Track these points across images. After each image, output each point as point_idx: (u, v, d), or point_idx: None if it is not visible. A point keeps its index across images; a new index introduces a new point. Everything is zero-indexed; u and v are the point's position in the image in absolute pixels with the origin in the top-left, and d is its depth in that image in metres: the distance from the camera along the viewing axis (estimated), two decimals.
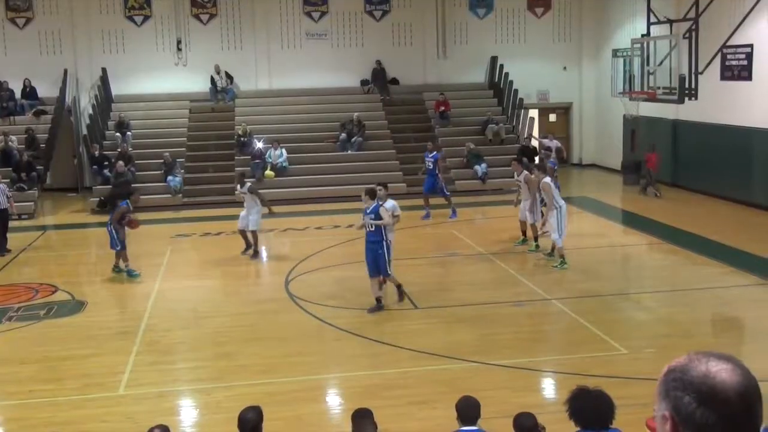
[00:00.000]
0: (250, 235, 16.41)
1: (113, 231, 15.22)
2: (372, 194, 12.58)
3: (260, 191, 16.91)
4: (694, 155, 23.24)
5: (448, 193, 20.38)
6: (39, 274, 15.96)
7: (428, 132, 26.85)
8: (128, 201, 15.57)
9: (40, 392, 9.73)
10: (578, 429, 5.18)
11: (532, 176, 16.29)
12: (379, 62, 27.81)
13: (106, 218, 21.59)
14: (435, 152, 20.51)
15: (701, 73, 21.97)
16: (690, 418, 1.92)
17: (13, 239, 17.99)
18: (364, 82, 28.09)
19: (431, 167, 20.27)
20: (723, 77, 21.75)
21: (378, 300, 12.60)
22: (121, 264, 15.37)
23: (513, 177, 17.18)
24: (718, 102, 21.77)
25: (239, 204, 22.97)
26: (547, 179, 15.23)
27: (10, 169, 23.14)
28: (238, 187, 16.84)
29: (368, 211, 12.38)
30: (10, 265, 16.62)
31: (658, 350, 10.53)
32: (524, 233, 16.69)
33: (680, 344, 10.72)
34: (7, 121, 25.35)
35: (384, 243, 12.41)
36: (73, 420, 8.62)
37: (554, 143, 25.23)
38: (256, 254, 16.42)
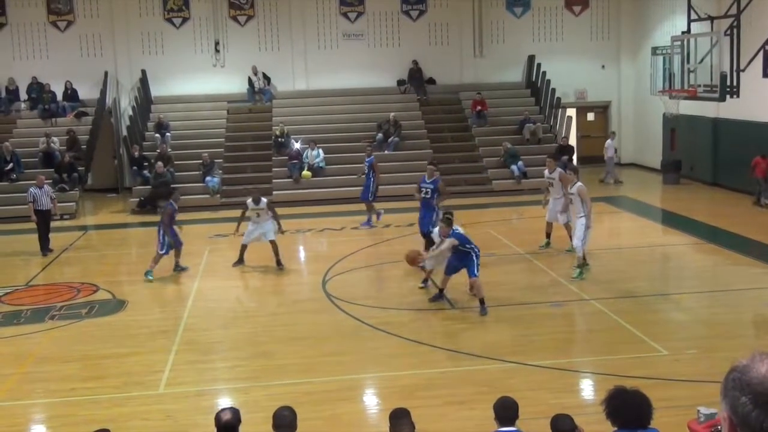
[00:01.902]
0: (270, 247, 15.66)
1: (161, 233, 15.37)
2: (449, 222, 12.60)
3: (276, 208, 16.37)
4: (735, 154, 22.89)
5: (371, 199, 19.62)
6: (80, 274, 16.17)
7: (465, 132, 26.81)
8: (173, 202, 15.77)
9: (82, 390, 9.87)
10: (615, 429, 5.15)
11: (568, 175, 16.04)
12: (415, 62, 27.79)
13: (146, 218, 21.98)
14: (371, 156, 20.19)
15: (743, 70, 21.61)
16: (746, 420, 1.86)
17: (55, 239, 18.27)
18: (400, 82, 28.09)
19: (366, 172, 19.88)
20: (765, 74, 21.41)
21: (440, 290, 12.83)
22: (152, 264, 15.35)
23: (544, 174, 16.38)
24: (760, 99, 21.43)
25: (276, 204, 23.05)
26: (581, 184, 14.53)
27: (52, 170, 23.50)
28: (251, 202, 15.72)
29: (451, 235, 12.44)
30: (53, 265, 16.88)
31: (700, 352, 10.40)
32: (548, 235, 16.24)
33: (722, 346, 10.57)
34: (49, 123, 25.75)
35: (473, 253, 12.40)
36: (114, 418, 8.71)
37: (613, 143, 25.27)
38: (280, 264, 15.69)
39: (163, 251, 15.35)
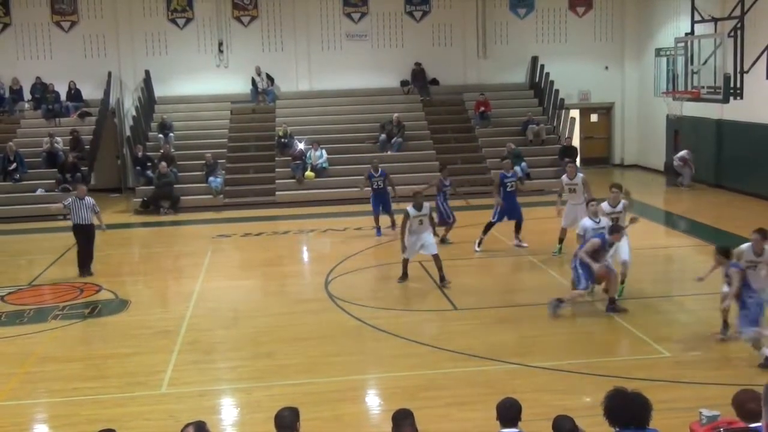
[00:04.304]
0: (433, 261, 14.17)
1: (441, 205, 17.13)
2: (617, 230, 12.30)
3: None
4: (738, 155, 22.87)
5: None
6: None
7: (469, 132, 26.80)
8: (443, 178, 17.57)
9: (84, 390, 9.87)
10: (615, 430, 5.16)
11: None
12: (418, 63, 27.80)
13: (149, 219, 22.04)
14: (381, 169, 18.95)
15: (747, 72, 21.60)
16: None
17: (59, 239, 18.29)
18: (404, 83, 28.10)
19: (381, 185, 18.72)
20: None
21: (559, 300, 12.24)
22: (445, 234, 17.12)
23: (564, 180, 15.91)
24: (763, 101, 21.39)
25: (279, 204, 23.38)
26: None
27: (56, 170, 23.55)
28: (412, 209, 13.91)
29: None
30: (56, 265, 16.89)
31: (703, 354, 10.38)
32: (561, 241, 15.89)
33: (725, 348, 10.56)
34: (53, 123, 25.78)
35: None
36: (116, 417, 8.71)
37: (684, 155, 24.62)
38: (444, 280, 14.02)
39: (450, 220, 17.06)
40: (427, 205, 14.08)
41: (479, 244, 16.58)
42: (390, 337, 11.44)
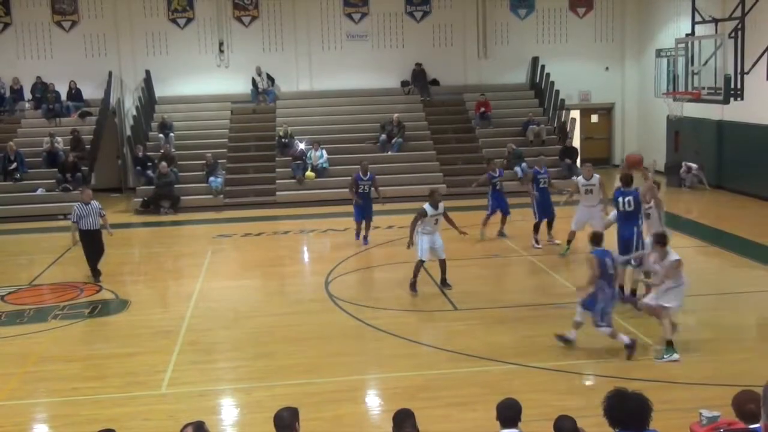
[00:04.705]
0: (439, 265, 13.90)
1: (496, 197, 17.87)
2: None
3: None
4: (739, 156, 22.86)
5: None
6: (84, 273, 16.15)
7: (469, 133, 26.80)
8: (490, 172, 18.20)
9: (84, 390, 9.87)
10: (616, 430, 5.15)
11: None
12: (419, 63, 27.79)
13: (149, 218, 22.06)
14: (370, 173, 17.85)
15: (747, 73, 21.59)
16: None
17: (59, 239, 18.27)
18: (404, 83, 28.10)
19: (367, 190, 17.75)
20: None
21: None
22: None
23: (580, 181, 15.65)
24: (764, 102, 21.40)
25: (280, 205, 23.38)
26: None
27: (56, 169, 23.55)
28: (428, 207, 13.45)
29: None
30: (56, 265, 16.89)
31: (703, 354, 10.38)
32: (569, 242, 15.87)
33: (725, 349, 10.57)
34: (54, 123, 25.77)
35: None
36: (116, 417, 8.71)
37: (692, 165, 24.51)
38: (446, 284, 13.85)
39: (489, 212, 17.84)
40: (442, 204, 13.67)
41: (551, 237, 17.08)
42: (390, 337, 11.44)
